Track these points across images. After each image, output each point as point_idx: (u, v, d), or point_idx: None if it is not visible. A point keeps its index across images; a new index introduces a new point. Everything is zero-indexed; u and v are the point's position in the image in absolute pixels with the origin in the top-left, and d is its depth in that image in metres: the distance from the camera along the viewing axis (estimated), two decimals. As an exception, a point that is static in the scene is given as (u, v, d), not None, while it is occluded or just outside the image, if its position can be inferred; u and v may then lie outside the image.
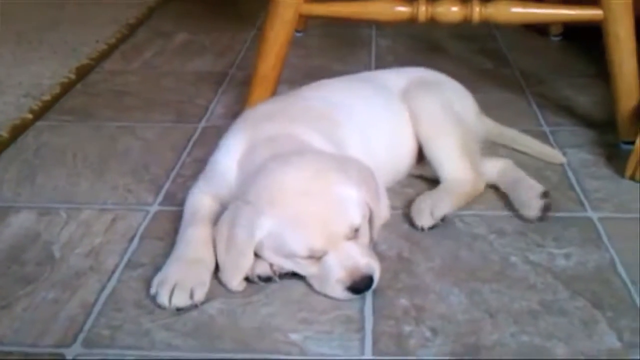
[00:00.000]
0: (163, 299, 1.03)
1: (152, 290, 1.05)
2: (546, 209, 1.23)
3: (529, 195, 1.25)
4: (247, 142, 1.15)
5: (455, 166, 1.29)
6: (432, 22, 1.45)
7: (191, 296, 1.04)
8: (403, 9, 1.44)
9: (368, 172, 1.13)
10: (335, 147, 1.16)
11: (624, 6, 1.40)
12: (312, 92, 1.31)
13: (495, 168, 1.33)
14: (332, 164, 1.08)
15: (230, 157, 1.16)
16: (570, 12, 1.47)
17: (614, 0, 1.39)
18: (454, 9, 1.43)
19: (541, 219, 1.22)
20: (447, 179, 1.29)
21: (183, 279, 1.05)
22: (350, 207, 1.05)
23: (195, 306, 1.03)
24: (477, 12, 1.42)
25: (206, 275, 1.07)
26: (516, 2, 1.44)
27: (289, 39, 1.49)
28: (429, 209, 1.22)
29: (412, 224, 1.23)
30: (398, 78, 1.41)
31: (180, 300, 1.03)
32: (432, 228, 1.21)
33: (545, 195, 1.24)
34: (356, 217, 1.06)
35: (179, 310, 1.03)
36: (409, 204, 1.29)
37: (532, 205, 1.23)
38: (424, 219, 1.21)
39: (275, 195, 1.04)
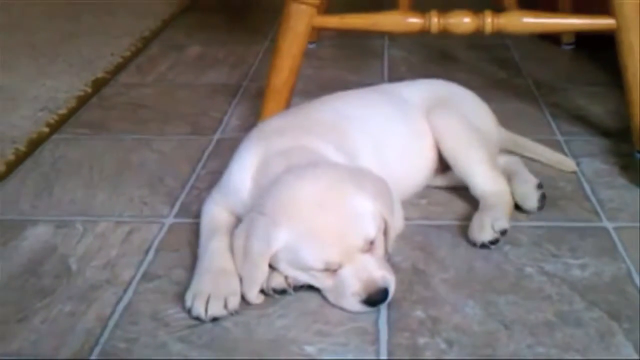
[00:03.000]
0: (199, 311, 1.04)
1: (187, 304, 1.05)
2: (543, 198, 1.28)
3: (527, 189, 1.29)
4: (260, 156, 1.15)
5: (489, 180, 1.29)
6: (445, 34, 1.46)
7: (225, 305, 1.04)
8: (415, 21, 1.44)
9: (382, 183, 1.13)
10: (348, 158, 1.17)
11: (637, 14, 1.40)
12: (325, 104, 1.32)
13: (500, 162, 1.37)
14: (347, 176, 1.08)
15: (243, 171, 1.16)
16: (583, 21, 1.46)
17: (627, 8, 1.39)
18: (467, 20, 1.43)
19: (540, 208, 1.28)
20: (485, 194, 1.28)
21: (216, 289, 1.06)
22: (366, 219, 1.06)
23: (230, 315, 1.04)
24: (489, 22, 1.42)
25: (237, 285, 1.08)
26: (528, 13, 1.44)
27: (302, 52, 1.50)
28: (490, 224, 1.20)
29: (472, 243, 1.20)
30: (414, 90, 1.41)
31: (216, 309, 1.04)
32: (494, 243, 1.19)
33: (540, 186, 1.30)
34: (371, 229, 1.06)
35: (215, 320, 1.03)
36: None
37: (530, 197, 1.28)
38: (487, 234, 1.19)
39: (291, 208, 1.05)
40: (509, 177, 1.32)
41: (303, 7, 1.46)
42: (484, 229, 1.20)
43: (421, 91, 1.41)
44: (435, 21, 1.44)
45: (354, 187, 1.07)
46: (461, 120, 1.34)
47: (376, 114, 1.30)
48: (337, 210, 1.04)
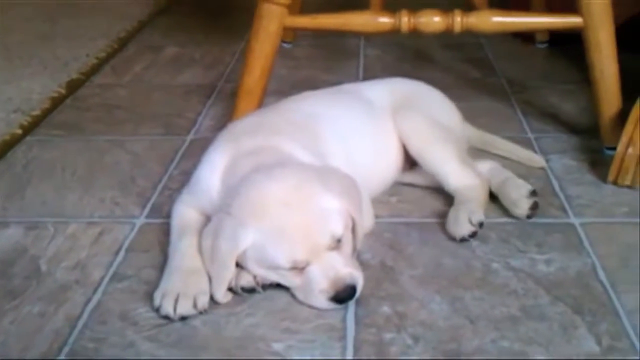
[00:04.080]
0: (168, 310, 1.04)
1: (156, 303, 1.06)
2: (534, 207, 1.26)
3: (518, 195, 1.28)
4: (229, 156, 1.16)
5: (460, 176, 1.30)
6: (415, 33, 1.47)
7: (194, 304, 1.05)
8: (386, 20, 1.46)
9: (350, 182, 1.14)
10: (317, 158, 1.17)
11: (603, 12, 1.42)
12: (294, 104, 1.33)
13: (484, 169, 1.36)
14: (314, 175, 1.09)
15: (213, 171, 1.17)
16: (551, 19, 1.49)
17: (594, 7, 1.41)
18: (436, 19, 1.45)
19: (529, 217, 1.26)
20: (459, 189, 1.29)
21: (185, 288, 1.06)
22: (332, 217, 1.07)
23: (200, 313, 1.05)
24: (458, 22, 1.44)
25: (205, 284, 1.08)
26: (497, 12, 1.45)
27: (274, 51, 1.51)
28: (467, 218, 1.22)
29: (452, 237, 1.22)
30: (377, 89, 1.42)
31: (185, 308, 1.04)
32: (472, 236, 1.21)
33: (533, 194, 1.28)
34: (338, 227, 1.07)
35: (184, 319, 1.04)
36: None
37: (521, 205, 1.27)
38: (465, 228, 1.21)
39: (258, 207, 1.06)
40: (500, 183, 1.32)
41: (274, 7, 1.47)
42: (462, 223, 1.22)
43: (385, 90, 1.42)
44: (405, 20, 1.45)
45: (321, 186, 1.07)
46: (426, 119, 1.35)
47: (344, 113, 1.31)
48: (303, 209, 1.05)
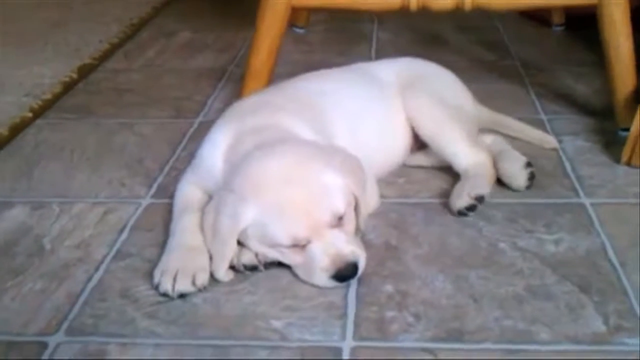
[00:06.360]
0: (167, 287, 1.04)
1: (155, 280, 1.06)
2: (531, 177, 1.27)
3: (515, 167, 1.28)
4: (232, 135, 1.15)
5: (469, 154, 1.29)
6: (424, 11, 1.44)
7: (193, 282, 1.04)
8: (395, -2, 1.44)
9: (354, 160, 1.12)
10: (321, 136, 1.16)
11: (618, -11, 1.39)
12: (300, 82, 1.31)
13: (486, 143, 1.36)
14: (315, 152, 1.08)
15: (216, 150, 1.16)
16: (564, -3, 1.46)
17: (608, -16, 1.38)
18: (446, -4, 1.42)
19: (528, 187, 1.26)
20: (468, 167, 1.28)
21: (184, 265, 1.06)
22: (334, 195, 1.05)
23: (199, 291, 1.04)
24: (468, -1, 1.41)
25: (205, 261, 1.07)
26: (508, -11, 1.43)
27: (281, 33, 1.49)
28: (467, 191, 1.21)
29: (451, 212, 1.21)
30: (388, 68, 1.41)
31: (184, 286, 1.04)
32: (470, 209, 1.19)
33: (529, 165, 1.28)
34: (340, 205, 1.05)
35: (183, 296, 1.03)
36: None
37: (519, 176, 1.26)
38: (463, 200, 1.20)
39: (259, 184, 1.05)
40: (496, 156, 1.31)
41: (282, -13, 1.45)
42: (461, 196, 1.21)
43: (396, 69, 1.40)
44: (414, -2, 1.43)
45: (323, 163, 1.06)
46: (435, 99, 1.33)
47: (351, 92, 1.30)
48: (304, 186, 1.04)
